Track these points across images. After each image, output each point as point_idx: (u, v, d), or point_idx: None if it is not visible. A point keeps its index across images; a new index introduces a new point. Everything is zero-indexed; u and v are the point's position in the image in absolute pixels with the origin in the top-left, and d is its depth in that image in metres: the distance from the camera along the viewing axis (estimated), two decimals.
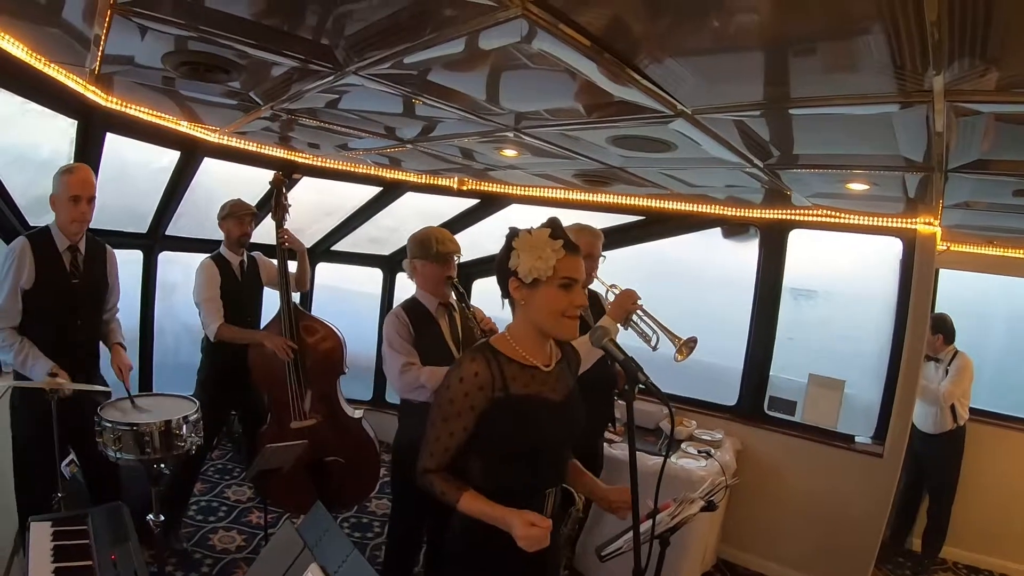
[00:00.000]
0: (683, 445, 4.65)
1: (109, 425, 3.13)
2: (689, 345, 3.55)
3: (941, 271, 5.14)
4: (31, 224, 4.08)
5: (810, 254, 5.03)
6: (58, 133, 3.99)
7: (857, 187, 3.40)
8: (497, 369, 2.12)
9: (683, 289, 5.65)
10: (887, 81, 1.79)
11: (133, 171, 4.68)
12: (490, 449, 2.15)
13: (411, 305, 3.41)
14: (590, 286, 3.85)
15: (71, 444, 3.45)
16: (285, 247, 4.48)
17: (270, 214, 4.52)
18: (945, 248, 4.96)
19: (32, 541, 2.31)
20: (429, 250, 3.32)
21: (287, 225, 4.51)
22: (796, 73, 1.88)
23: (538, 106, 2.59)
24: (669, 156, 3.11)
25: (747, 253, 5.10)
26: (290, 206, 4.52)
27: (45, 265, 3.38)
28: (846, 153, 2.79)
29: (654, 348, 3.58)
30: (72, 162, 3.91)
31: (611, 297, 3.73)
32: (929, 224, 4.34)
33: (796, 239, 4.91)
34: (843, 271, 5.44)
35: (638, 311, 3.57)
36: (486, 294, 3.48)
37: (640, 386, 1.95)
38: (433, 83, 2.38)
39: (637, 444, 2.00)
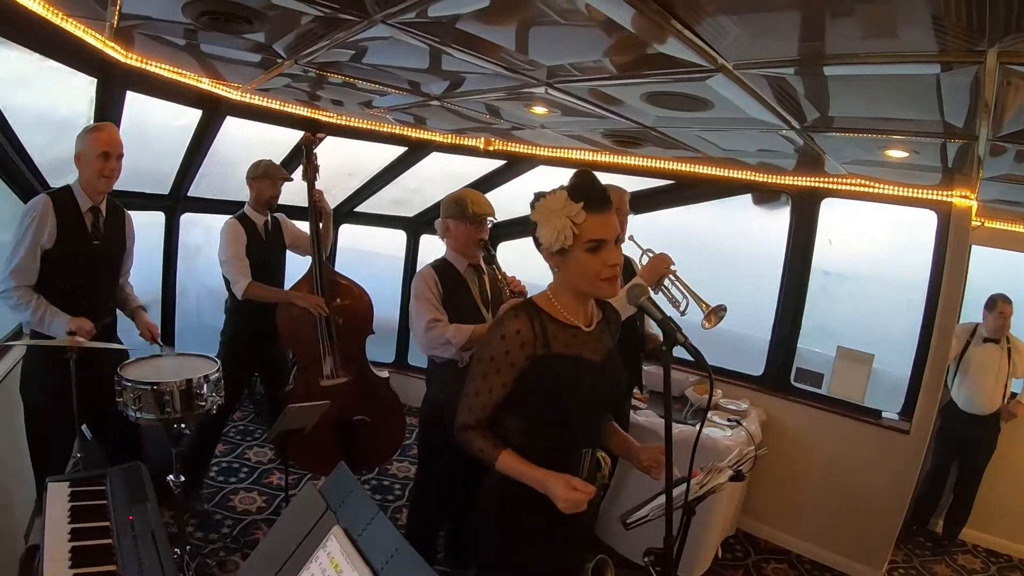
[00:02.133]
0: (709, 413, 4.59)
1: (130, 384, 3.11)
2: (718, 313, 3.52)
3: (973, 248, 5.03)
4: (51, 185, 4.05)
5: (843, 225, 4.93)
6: (77, 92, 3.93)
7: (896, 154, 3.27)
8: (540, 327, 2.08)
9: (711, 256, 5.58)
10: (931, 40, 1.68)
11: (153, 130, 4.64)
12: (529, 408, 2.12)
13: (441, 265, 3.39)
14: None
15: (89, 404, 3.42)
16: (319, 204, 4.51)
17: (300, 173, 4.50)
18: (979, 224, 4.84)
19: (49, 501, 2.28)
20: (464, 211, 3.30)
21: (317, 185, 4.52)
22: (842, 27, 1.77)
23: (571, 60, 2.49)
24: (705, 115, 3.00)
25: (778, 221, 5.00)
26: (319, 165, 4.52)
27: (67, 225, 3.33)
28: (888, 117, 2.67)
29: (683, 313, 3.55)
30: (92, 121, 3.88)
31: (645, 261, 3.69)
32: (965, 197, 4.22)
33: (829, 208, 4.80)
34: (876, 244, 5.32)
35: (670, 275, 3.52)
36: (512, 256, 3.44)
37: (681, 347, 1.88)
38: (463, 32, 2.28)
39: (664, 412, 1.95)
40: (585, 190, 2.01)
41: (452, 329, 3.19)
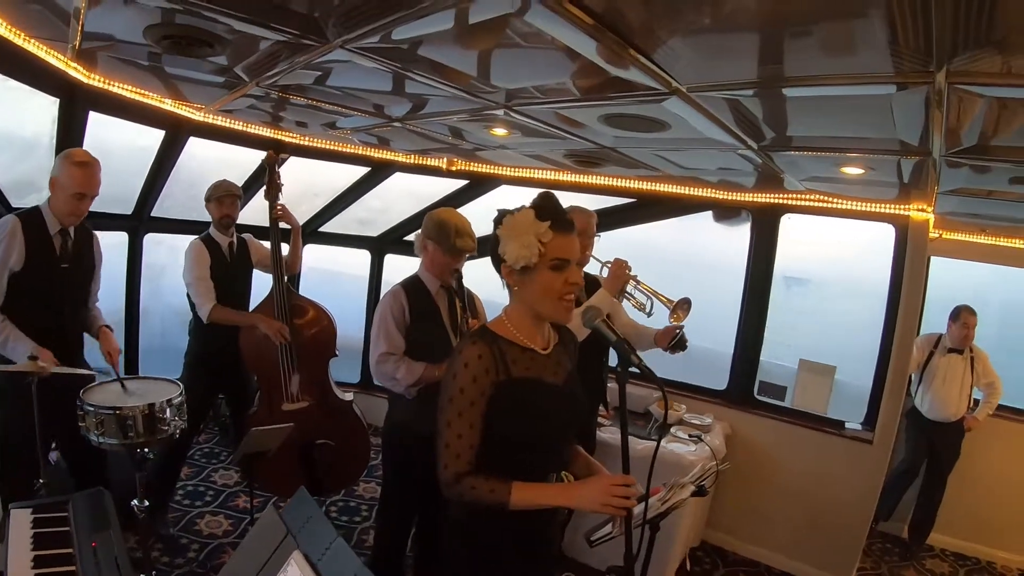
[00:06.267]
0: (673, 429, 4.62)
1: (92, 409, 3.07)
2: (683, 307, 3.55)
3: (932, 259, 5.14)
4: (14, 206, 3.99)
5: (802, 240, 5.01)
6: (40, 111, 3.88)
7: (852, 171, 3.36)
8: (498, 352, 2.04)
9: (673, 273, 5.63)
10: (886, 61, 1.74)
11: (116, 150, 4.58)
12: (493, 435, 2.05)
13: (411, 284, 3.35)
14: (584, 267, 3.82)
15: (55, 429, 3.38)
16: (279, 221, 4.44)
17: (263, 193, 4.46)
18: (937, 235, 4.95)
19: (12, 528, 2.24)
20: (445, 240, 3.22)
21: (280, 201, 4.46)
22: (793, 51, 1.82)
23: (529, 83, 2.53)
24: (662, 136, 3.06)
25: (738, 237, 5.08)
26: (283, 184, 4.46)
27: (35, 247, 3.28)
28: (842, 136, 2.74)
29: (649, 315, 3.57)
30: (55, 142, 3.84)
31: (606, 273, 3.71)
32: (922, 211, 4.31)
33: (788, 224, 4.88)
34: (835, 257, 5.42)
35: (632, 280, 3.55)
36: (473, 275, 3.41)
37: (633, 369, 1.91)
38: (423, 57, 2.31)
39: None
40: (551, 211, 2.01)
41: (403, 368, 3.17)
